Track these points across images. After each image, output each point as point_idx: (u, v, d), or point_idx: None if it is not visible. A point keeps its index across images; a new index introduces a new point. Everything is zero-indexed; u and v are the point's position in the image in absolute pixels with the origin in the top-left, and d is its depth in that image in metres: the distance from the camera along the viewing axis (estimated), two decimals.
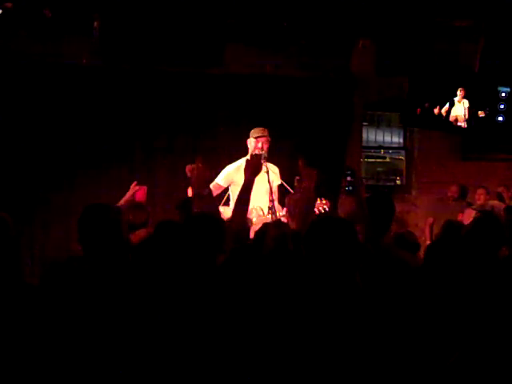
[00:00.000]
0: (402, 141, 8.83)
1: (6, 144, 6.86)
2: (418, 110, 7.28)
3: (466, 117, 7.27)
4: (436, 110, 7.27)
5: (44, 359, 2.62)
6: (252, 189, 3.88)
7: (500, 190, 7.33)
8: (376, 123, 8.74)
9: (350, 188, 3.58)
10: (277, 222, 3.95)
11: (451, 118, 7.29)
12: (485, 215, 3.71)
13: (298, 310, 2.52)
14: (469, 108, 7.26)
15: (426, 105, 7.31)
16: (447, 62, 7.35)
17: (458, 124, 7.33)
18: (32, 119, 6.94)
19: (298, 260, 3.01)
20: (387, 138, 8.81)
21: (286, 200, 4.40)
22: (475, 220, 3.52)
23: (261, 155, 4.36)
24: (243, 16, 6.97)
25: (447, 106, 7.27)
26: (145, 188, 5.03)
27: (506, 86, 7.24)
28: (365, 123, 8.57)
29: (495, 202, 6.47)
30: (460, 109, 7.28)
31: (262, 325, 2.58)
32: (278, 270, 3.05)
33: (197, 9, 6.82)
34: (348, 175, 3.59)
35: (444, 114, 7.29)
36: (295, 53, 7.58)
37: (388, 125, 8.78)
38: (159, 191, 7.01)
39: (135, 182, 5.04)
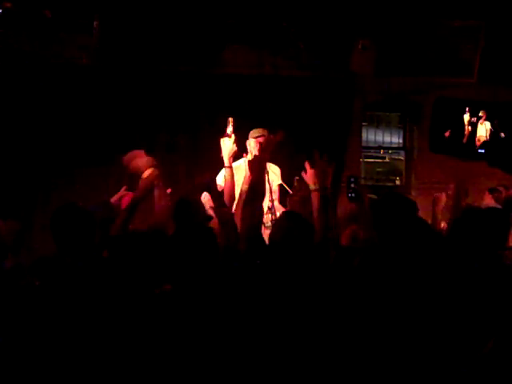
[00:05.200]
0: (401, 141, 8.83)
1: (5, 144, 6.87)
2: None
3: (488, 138, 7.51)
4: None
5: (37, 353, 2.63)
6: (259, 188, 3.85)
7: (499, 190, 7.32)
8: (375, 123, 8.74)
9: (353, 195, 3.64)
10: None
11: (477, 141, 7.51)
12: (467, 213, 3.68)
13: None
14: (491, 130, 7.48)
15: (447, 134, 7.48)
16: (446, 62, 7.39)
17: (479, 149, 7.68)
18: (32, 119, 6.95)
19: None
20: (387, 139, 8.81)
21: (287, 201, 4.41)
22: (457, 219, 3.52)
23: (262, 155, 4.29)
24: (243, 16, 6.98)
25: (469, 128, 7.49)
26: (131, 194, 4.70)
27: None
28: (364, 123, 8.57)
29: (491, 203, 6.50)
30: (482, 130, 7.48)
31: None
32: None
33: (196, 9, 6.83)
34: (351, 182, 3.64)
35: (466, 137, 7.52)
36: (295, 53, 7.58)
37: (387, 125, 8.78)
38: None
39: (125, 187, 4.68)
